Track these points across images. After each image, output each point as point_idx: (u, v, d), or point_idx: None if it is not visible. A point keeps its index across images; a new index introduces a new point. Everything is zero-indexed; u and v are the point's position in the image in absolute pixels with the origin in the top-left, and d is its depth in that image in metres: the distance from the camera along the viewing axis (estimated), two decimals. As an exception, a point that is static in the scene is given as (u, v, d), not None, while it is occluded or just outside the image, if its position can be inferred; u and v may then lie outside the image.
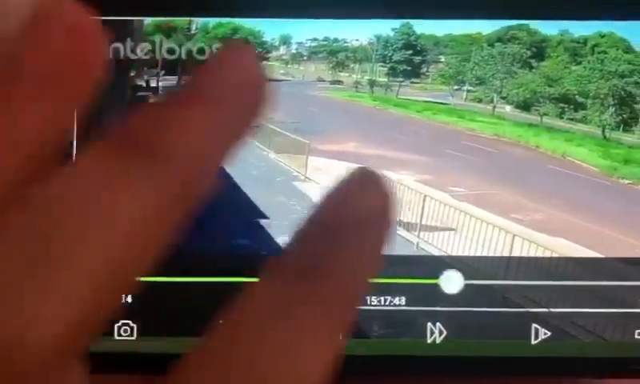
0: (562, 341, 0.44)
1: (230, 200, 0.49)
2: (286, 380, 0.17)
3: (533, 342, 0.46)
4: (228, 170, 0.49)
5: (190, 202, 0.18)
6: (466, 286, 0.45)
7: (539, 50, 0.54)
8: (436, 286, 0.44)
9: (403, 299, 0.44)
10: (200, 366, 0.18)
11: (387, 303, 0.43)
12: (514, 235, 0.52)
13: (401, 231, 0.52)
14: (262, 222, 0.48)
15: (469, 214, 0.53)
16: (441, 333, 0.43)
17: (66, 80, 0.18)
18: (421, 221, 0.54)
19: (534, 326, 0.45)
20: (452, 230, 0.53)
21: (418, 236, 0.53)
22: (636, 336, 0.44)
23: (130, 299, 0.42)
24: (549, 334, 0.46)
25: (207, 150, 0.19)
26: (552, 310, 0.45)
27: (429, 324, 0.43)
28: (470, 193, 0.54)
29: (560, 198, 0.54)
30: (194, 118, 0.18)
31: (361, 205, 0.19)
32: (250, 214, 0.48)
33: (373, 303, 0.43)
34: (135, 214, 0.17)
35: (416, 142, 0.56)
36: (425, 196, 0.54)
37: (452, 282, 0.46)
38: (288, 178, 0.54)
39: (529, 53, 0.55)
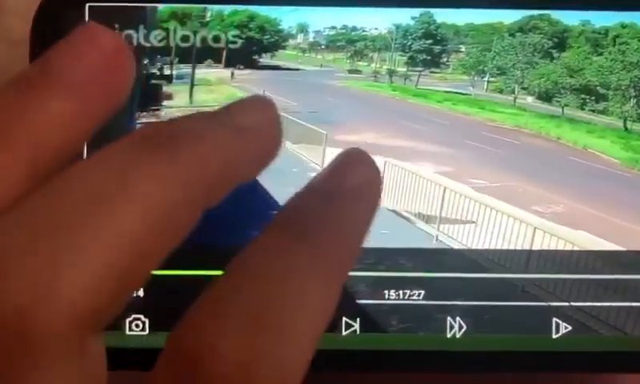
0: (583, 335, 0.44)
1: (244, 191, 0.49)
2: (287, 322, 0.19)
3: (554, 336, 0.46)
4: None
5: (209, 194, 0.21)
6: (486, 279, 0.45)
7: (560, 40, 0.54)
8: (455, 279, 0.44)
9: (422, 293, 0.43)
10: (206, 315, 0.19)
11: (405, 297, 0.43)
12: (535, 228, 0.52)
13: (420, 224, 0.53)
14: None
15: (489, 207, 0.53)
16: (460, 327, 0.43)
17: (90, 87, 0.21)
18: (440, 213, 0.54)
19: (555, 320, 0.44)
20: (472, 222, 0.53)
21: (438, 229, 0.53)
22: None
23: (141, 293, 0.42)
24: (570, 328, 0.46)
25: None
26: (573, 303, 0.45)
27: (448, 318, 0.43)
28: (491, 185, 0.55)
29: (581, 190, 0.55)
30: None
31: (352, 177, 0.22)
32: (265, 205, 0.49)
33: (391, 297, 0.43)
34: (157, 193, 0.19)
35: (435, 133, 0.57)
36: (445, 188, 0.55)
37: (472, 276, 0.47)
38: (305, 168, 0.54)
39: (550, 43, 0.55)
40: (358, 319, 0.42)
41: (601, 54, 0.55)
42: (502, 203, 0.54)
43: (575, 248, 0.51)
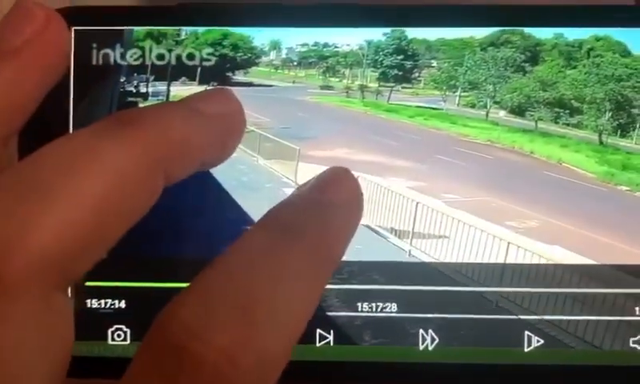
0: (554, 349, 0.47)
1: (218, 206, 0.52)
2: (272, 314, 0.21)
3: (526, 349, 0.47)
4: (217, 176, 0.52)
5: (170, 167, 0.24)
6: (459, 293, 0.48)
7: (533, 53, 0.57)
8: (428, 292, 0.47)
9: (395, 306, 0.46)
10: (193, 302, 0.22)
11: (378, 310, 0.46)
12: (509, 243, 0.55)
13: (392, 239, 0.55)
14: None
15: (462, 222, 0.56)
16: (433, 340, 0.46)
17: (25, 53, 0.25)
18: (413, 228, 0.56)
19: (527, 333, 0.47)
20: (445, 237, 0.55)
21: (411, 243, 0.56)
22: (631, 344, 0.46)
23: (123, 304, 0.45)
24: (541, 341, 0.48)
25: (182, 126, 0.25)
26: (544, 317, 0.48)
27: (421, 331, 0.46)
28: (464, 200, 0.57)
29: (556, 205, 0.57)
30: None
31: (339, 190, 0.26)
32: (238, 220, 0.51)
33: (364, 309, 0.46)
34: (120, 160, 0.22)
35: (408, 148, 0.59)
36: (417, 203, 0.57)
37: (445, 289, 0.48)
38: (278, 183, 0.57)
39: (522, 57, 0.57)
40: (332, 331, 0.46)
41: (575, 68, 0.57)
42: (476, 218, 0.57)
43: (549, 262, 0.53)
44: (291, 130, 0.58)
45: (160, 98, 0.53)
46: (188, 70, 0.53)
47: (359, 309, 0.46)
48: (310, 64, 0.59)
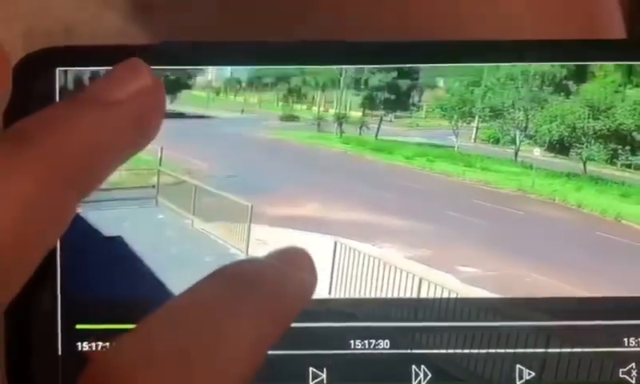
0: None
1: (142, 287, 0.54)
2: (212, 358, 0.26)
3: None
4: (134, 247, 0.54)
5: (81, 177, 0.29)
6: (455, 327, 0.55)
7: (579, 67, 0.56)
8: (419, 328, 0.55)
9: (388, 343, 0.54)
10: (136, 340, 0.27)
11: (371, 347, 0.54)
12: (549, 335, 0.55)
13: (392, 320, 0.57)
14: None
15: (485, 308, 0.56)
16: (426, 375, 0.54)
17: (124, 108, 0.31)
18: (416, 314, 0.56)
19: (519, 367, 0.54)
20: (462, 329, 0.56)
21: (412, 339, 0.57)
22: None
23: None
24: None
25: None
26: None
27: (413, 367, 0.54)
28: (486, 274, 0.56)
29: (616, 279, 0.56)
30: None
31: (293, 277, 0.32)
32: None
33: (357, 347, 0.54)
34: (20, 187, 0.26)
35: (406, 203, 0.58)
36: (421, 279, 0.56)
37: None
38: (222, 256, 0.56)
39: (564, 71, 0.56)
40: (325, 369, 0.53)
41: (637, 86, 0.56)
42: (506, 298, 0.56)
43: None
44: (240, 179, 0.57)
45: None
46: None
47: (352, 346, 0.54)
48: (266, 86, 0.57)
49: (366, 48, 0.55)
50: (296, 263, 0.32)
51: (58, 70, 0.54)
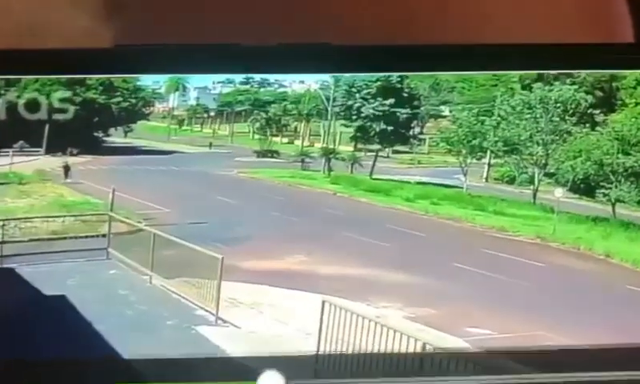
0: None
1: (90, 353, 0.48)
2: None
3: None
4: (78, 306, 0.48)
5: None
6: None
7: (607, 94, 0.53)
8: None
9: None
10: None
11: None
12: None
13: None
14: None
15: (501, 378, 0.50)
16: None
17: None
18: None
19: None
20: None
21: None
22: None
23: None
24: None
25: None
26: None
27: None
28: (500, 337, 0.53)
29: None
30: None
31: None
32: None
33: None
34: None
35: (406, 254, 0.56)
36: (424, 344, 0.52)
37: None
38: (187, 320, 0.52)
39: (590, 99, 0.54)
40: None
41: None
42: (521, 367, 0.50)
43: None
44: (208, 226, 0.54)
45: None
46: (28, 128, 0.50)
47: None
48: (239, 115, 0.54)
49: (358, 52, 0.53)
50: None
51: None
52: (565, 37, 0.54)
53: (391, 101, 0.53)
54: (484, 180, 0.54)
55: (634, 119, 0.55)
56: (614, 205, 0.54)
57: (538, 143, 0.53)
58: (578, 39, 0.54)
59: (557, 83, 0.53)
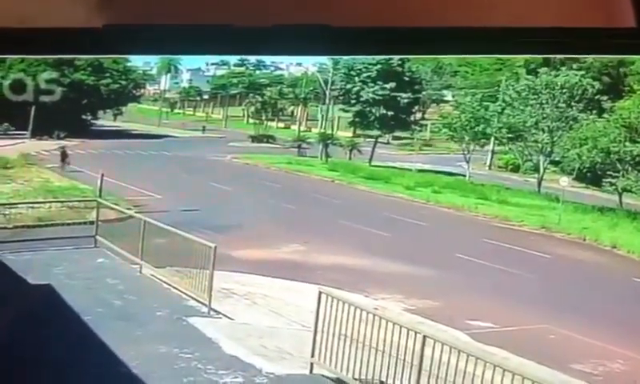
0: None
1: (74, 347, 0.47)
2: None
3: None
4: (64, 295, 0.46)
5: None
6: None
7: (614, 79, 0.47)
8: None
9: None
10: None
11: None
12: None
13: None
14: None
15: (506, 370, 0.46)
16: None
17: None
18: (419, 378, 0.49)
19: None
20: None
21: None
22: None
23: None
24: None
25: None
26: None
27: None
28: (503, 330, 0.49)
29: None
30: None
31: None
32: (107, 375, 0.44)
33: None
34: None
35: (405, 242, 0.51)
36: (424, 337, 0.47)
37: None
38: (177, 310, 0.48)
39: (597, 85, 0.47)
40: None
41: None
42: (525, 361, 0.49)
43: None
44: (200, 214, 0.50)
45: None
46: (13, 109, 0.48)
47: None
48: (234, 98, 0.49)
49: (357, 34, 0.49)
50: None
51: None
52: (565, 21, 0.52)
53: (392, 85, 0.50)
54: (487, 168, 0.51)
55: (642, 105, 0.53)
56: (620, 194, 0.51)
57: (543, 130, 0.50)
58: (577, 23, 0.52)
59: (563, 69, 0.51)
